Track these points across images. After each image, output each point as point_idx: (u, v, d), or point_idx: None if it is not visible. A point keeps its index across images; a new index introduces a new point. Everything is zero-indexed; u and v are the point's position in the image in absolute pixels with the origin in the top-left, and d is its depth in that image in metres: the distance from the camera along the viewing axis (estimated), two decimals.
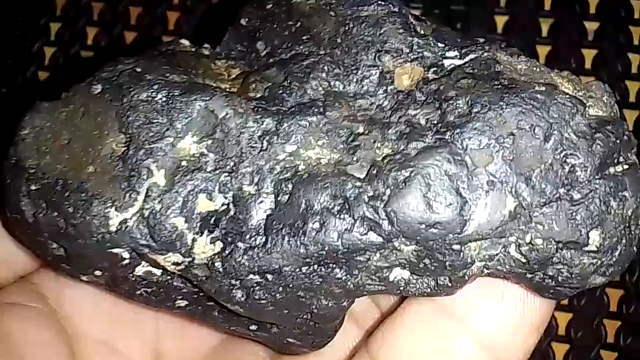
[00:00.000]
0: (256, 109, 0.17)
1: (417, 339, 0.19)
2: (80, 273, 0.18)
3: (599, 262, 0.17)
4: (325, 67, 0.18)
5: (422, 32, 0.18)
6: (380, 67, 0.18)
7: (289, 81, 0.18)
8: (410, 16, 0.18)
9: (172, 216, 0.17)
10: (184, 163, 0.17)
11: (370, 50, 0.18)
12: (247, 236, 0.17)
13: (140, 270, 0.18)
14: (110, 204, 0.17)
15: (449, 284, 0.17)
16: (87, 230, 0.17)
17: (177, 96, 0.17)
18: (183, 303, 0.19)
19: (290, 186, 0.17)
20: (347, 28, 0.18)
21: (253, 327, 0.19)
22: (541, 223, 0.17)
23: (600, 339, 0.29)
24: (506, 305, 0.18)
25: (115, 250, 0.17)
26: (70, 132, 0.17)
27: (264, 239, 0.17)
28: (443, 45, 0.18)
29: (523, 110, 0.17)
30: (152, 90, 0.17)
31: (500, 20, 0.32)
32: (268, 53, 0.19)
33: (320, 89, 0.18)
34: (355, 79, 0.18)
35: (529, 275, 0.17)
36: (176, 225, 0.17)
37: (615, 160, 0.17)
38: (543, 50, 0.31)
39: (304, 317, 0.18)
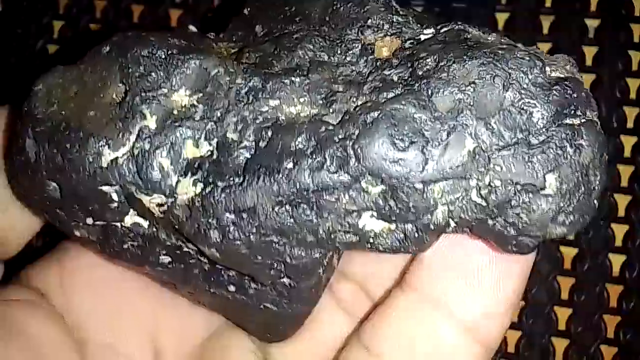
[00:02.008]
0: (246, 70, 0.19)
1: (405, 328, 0.20)
2: (74, 220, 0.19)
3: (557, 207, 0.18)
4: (312, 40, 0.20)
5: (402, 13, 0.20)
6: (362, 41, 0.20)
7: (278, 50, 0.19)
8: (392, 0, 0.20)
9: (159, 156, 0.18)
10: (175, 112, 0.18)
11: (354, 26, 0.20)
12: (227, 176, 0.18)
13: (128, 220, 0.19)
14: (104, 142, 0.18)
15: (416, 235, 0.18)
16: (81, 164, 0.18)
17: (175, 54, 0.19)
18: (166, 259, 0.20)
19: (270, 133, 0.18)
20: (334, 8, 0.20)
21: (231, 288, 0.20)
22: (499, 165, 0.18)
23: (600, 335, 0.29)
24: (483, 292, 0.19)
25: (105, 188, 0.18)
26: (78, 86, 0.19)
27: (241, 179, 0.18)
28: (421, 25, 0.20)
29: (484, 62, 0.18)
30: (153, 48, 0.19)
31: (501, 18, 0.32)
32: (264, 34, 0.20)
33: (307, 57, 0.19)
34: (339, 51, 0.19)
35: (490, 222, 0.18)
36: (162, 165, 0.18)
37: (573, 112, 0.18)
38: (544, 47, 0.32)
39: (278, 268, 0.19)
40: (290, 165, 0.18)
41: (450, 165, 0.18)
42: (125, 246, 0.20)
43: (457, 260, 0.19)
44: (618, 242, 0.30)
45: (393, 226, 0.18)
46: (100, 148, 0.18)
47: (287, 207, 0.18)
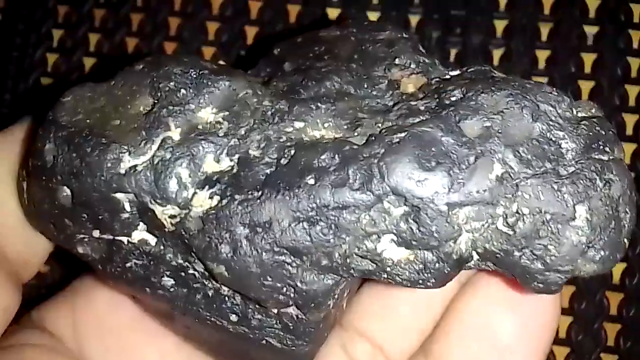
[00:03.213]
0: (273, 93, 0.19)
1: None
2: (80, 232, 0.19)
3: (587, 240, 0.17)
4: (340, 73, 0.20)
5: (429, 57, 0.20)
6: (388, 77, 0.20)
7: (305, 81, 0.19)
8: (419, 44, 0.21)
9: (178, 167, 0.18)
10: (199, 127, 0.18)
11: (381, 64, 0.20)
12: (245, 190, 0.18)
13: (136, 236, 0.19)
14: (126, 149, 0.18)
15: (437, 265, 0.17)
16: (98, 168, 0.18)
17: (206, 74, 0.19)
18: (169, 282, 0.19)
19: (292, 151, 0.18)
20: (363, 47, 0.20)
21: (233, 318, 0.19)
22: (528, 193, 0.17)
23: (600, 343, 0.29)
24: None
25: (118, 196, 0.18)
26: (106, 98, 0.19)
27: (260, 193, 0.18)
28: (446, 68, 0.20)
29: (512, 93, 0.18)
30: (185, 67, 0.19)
31: (500, 25, 0.32)
32: (292, 70, 0.20)
33: (333, 88, 0.19)
34: (365, 85, 0.19)
35: (516, 254, 0.17)
36: (181, 175, 0.18)
37: (601, 148, 0.18)
38: (542, 54, 0.32)
39: (287, 293, 0.18)
40: (312, 181, 0.18)
41: (477, 189, 0.17)
42: (129, 264, 0.19)
43: (483, 334, 0.19)
44: None
45: (412, 256, 0.18)
46: (121, 154, 0.18)
47: (305, 224, 0.17)
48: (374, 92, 0.19)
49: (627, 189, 0.18)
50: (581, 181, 0.17)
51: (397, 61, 0.20)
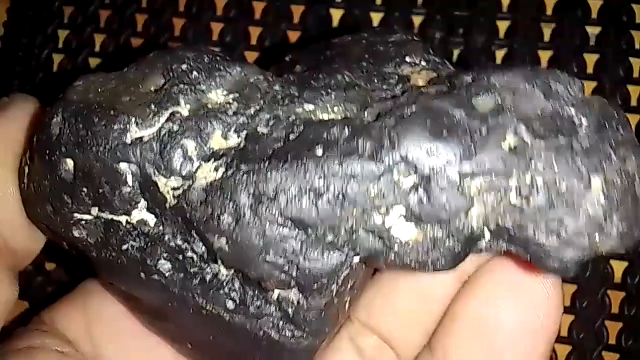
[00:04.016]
0: (284, 81, 0.19)
1: None
2: (77, 211, 0.19)
3: (604, 212, 0.17)
4: (351, 70, 0.19)
5: (438, 57, 0.20)
6: (399, 73, 0.19)
7: (317, 74, 0.19)
8: (428, 47, 0.20)
9: (184, 139, 0.18)
10: (209, 106, 0.18)
11: (392, 62, 0.20)
12: (252, 161, 0.17)
13: (135, 215, 0.18)
14: (134, 120, 0.18)
15: (446, 243, 0.17)
16: (104, 136, 0.18)
17: (219, 60, 0.19)
18: (166, 265, 0.19)
19: (302, 127, 0.18)
20: (374, 48, 0.20)
21: (230, 305, 0.19)
22: (542, 164, 0.17)
23: (602, 341, 0.30)
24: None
25: (122, 166, 0.18)
26: (118, 81, 0.19)
27: (267, 163, 0.17)
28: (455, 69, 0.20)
29: (524, 75, 0.18)
30: (199, 52, 0.19)
31: (503, 25, 0.32)
32: (304, 70, 0.20)
33: (344, 81, 0.19)
34: (376, 80, 0.19)
35: (530, 229, 0.17)
36: (187, 147, 0.18)
37: (615, 127, 0.17)
38: (545, 55, 0.32)
39: (289, 271, 0.17)
40: (320, 151, 0.17)
41: (490, 159, 0.17)
42: (125, 247, 0.19)
43: (485, 332, 0.18)
44: None
45: (421, 235, 0.17)
46: (128, 125, 0.18)
47: (312, 194, 0.17)
48: (384, 86, 0.19)
49: None
50: (596, 154, 0.17)
51: (407, 59, 0.20)
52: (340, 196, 0.17)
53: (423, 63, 0.20)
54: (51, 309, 0.22)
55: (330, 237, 0.17)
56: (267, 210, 0.17)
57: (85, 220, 0.19)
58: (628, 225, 0.17)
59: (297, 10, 0.34)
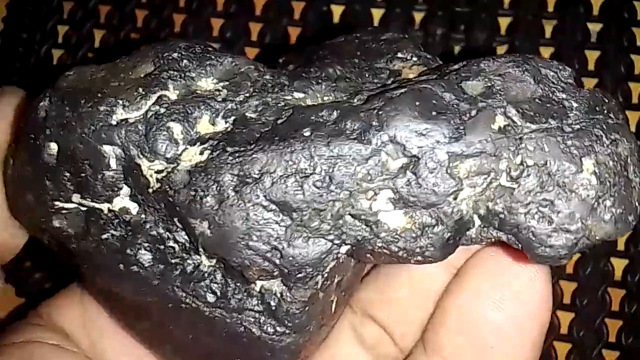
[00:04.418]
0: (275, 71, 0.19)
1: None
2: (59, 197, 0.18)
3: (596, 195, 0.16)
4: (343, 65, 0.19)
5: (429, 54, 0.20)
6: (390, 68, 0.19)
7: (308, 67, 0.19)
8: (420, 45, 0.20)
9: (171, 122, 0.18)
10: (198, 92, 0.18)
11: (383, 58, 0.20)
12: (239, 143, 0.17)
13: (117, 203, 0.18)
14: (121, 102, 0.18)
15: (435, 229, 0.16)
16: (90, 117, 0.18)
17: (211, 51, 0.19)
18: (146, 256, 0.18)
19: (290, 112, 0.17)
20: (366, 46, 0.20)
21: (211, 298, 0.18)
22: (532, 145, 0.16)
23: (602, 338, 0.29)
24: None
25: (106, 149, 0.18)
26: (109, 70, 0.19)
27: (253, 145, 0.17)
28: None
29: (513, 59, 0.18)
30: (191, 43, 0.19)
31: (504, 22, 0.32)
32: (296, 67, 0.20)
33: (335, 74, 0.19)
34: (367, 75, 0.19)
35: (521, 212, 0.16)
36: (173, 130, 0.18)
37: (606, 113, 0.17)
38: (546, 52, 0.32)
39: (272, 259, 0.17)
40: (308, 132, 0.17)
41: (480, 139, 0.16)
42: (105, 236, 0.18)
43: (473, 327, 0.18)
44: (620, 247, 0.30)
45: (410, 223, 0.17)
46: (114, 107, 0.18)
47: (298, 176, 0.17)
48: (376, 80, 0.19)
49: (635, 152, 0.17)
50: (587, 136, 0.16)
51: (399, 54, 0.20)
52: (327, 178, 0.17)
53: (414, 59, 0.19)
54: (48, 303, 0.22)
55: (316, 223, 0.17)
56: (252, 192, 0.17)
57: (66, 209, 0.19)
58: (622, 209, 0.16)
59: (298, 6, 0.34)
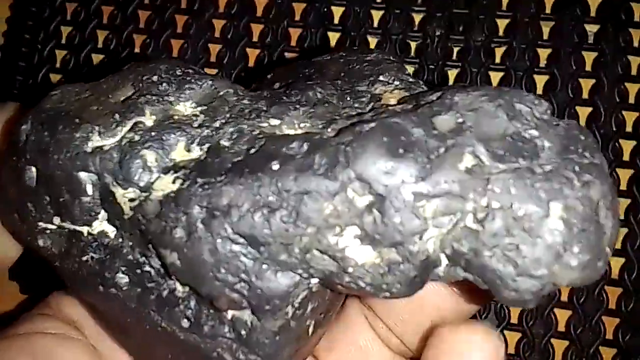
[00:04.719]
0: (255, 96, 0.19)
1: None
2: (41, 220, 0.19)
3: (563, 241, 0.16)
4: (324, 87, 0.19)
5: (413, 78, 0.20)
6: (372, 92, 0.19)
7: (289, 90, 0.19)
8: (404, 67, 0.20)
9: (145, 150, 0.18)
10: (175, 117, 0.18)
11: (365, 80, 0.19)
12: (210, 174, 0.17)
13: (96, 226, 0.18)
14: (97, 129, 0.18)
15: (401, 266, 0.16)
16: (66, 145, 0.18)
17: (191, 74, 0.19)
18: (124, 279, 0.18)
19: (263, 142, 0.17)
20: (350, 66, 0.20)
21: (185, 324, 0.18)
22: (499, 187, 0.16)
23: (599, 336, 0.30)
24: None
25: (82, 175, 0.18)
26: (91, 91, 0.19)
27: (223, 177, 0.17)
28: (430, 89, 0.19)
29: (487, 94, 0.17)
30: (172, 66, 0.19)
31: (502, 23, 0.32)
32: (280, 86, 0.20)
33: (316, 97, 0.19)
34: (348, 98, 0.19)
35: (486, 255, 0.16)
36: (146, 158, 0.18)
37: (580, 152, 0.17)
38: (544, 53, 0.32)
39: (241, 290, 0.17)
40: (276, 166, 0.17)
41: (446, 180, 0.16)
42: (85, 258, 0.18)
43: None
44: (617, 245, 0.30)
45: (377, 259, 0.17)
46: (90, 134, 0.18)
47: (265, 210, 0.17)
48: (356, 104, 0.19)
49: (608, 194, 0.16)
50: (556, 179, 0.16)
51: (381, 77, 0.19)
52: (294, 213, 0.16)
53: (396, 82, 0.19)
54: (57, 294, 0.22)
55: (283, 257, 0.17)
56: (220, 225, 0.17)
57: (50, 229, 0.19)
58: (590, 256, 0.16)
59: (299, 8, 0.34)
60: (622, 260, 0.30)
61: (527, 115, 0.17)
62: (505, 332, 0.31)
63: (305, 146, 0.17)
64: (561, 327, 0.30)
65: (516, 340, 0.31)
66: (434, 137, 0.17)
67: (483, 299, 0.20)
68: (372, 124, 0.17)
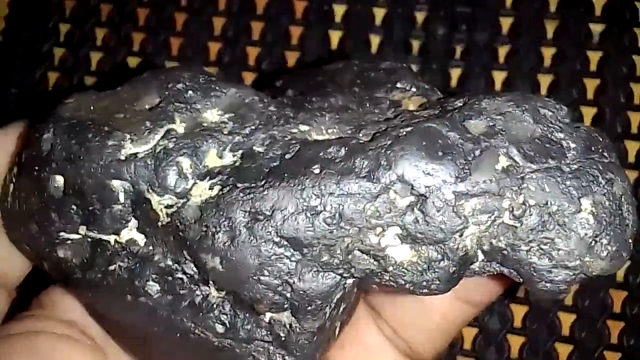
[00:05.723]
0: (279, 102, 0.19)
1: None
2: (65, 229, 0.18)
3: (594, 233, 0.17)
4: (343, 94, 0.20)
5: (428, 85, 0.20)
6: (390, 98, 0.20)
7: (309, 97, 0.20)
8: (418, 76, 0.21)
9: (180, 157, 0.18)
10: (204, 124, 0.18)
11: (383, 87, 0.20)
12: (248, 179, 0.17)
13: (125, 235, 0.18)
14: (129, 136, 0.18)
15: (441, 264, 0.17)
16: (98, 153, 0.18)
17: (214, 81, 0.19)
18: (154, 287, 0.18)
19: (297, 147, 0.18)
20: (365, 74, 0.21)
21: (220, 329, 0.18)
22: (533, 185, 0.17)
23: (603, 340, 0.29)
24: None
25: (115, 184, 0.18)
26: (111, 100, 0.19)
27: (264, 182, 0.17)
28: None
29: (513, 99, 0.18)
30: (195, 73, 0.19)
31: (506, 22, 0.32)
32: (295, 94, 0.21)
33: (337, 105, 0.19)
34: (367, 104, 0.20)
35: (523, 250, 0.17)
36: (182, 165, 0.18)
37: (601, 152, 0.18)
38: (548, 52, 0.32)
39: (284, 292, 0.17)
40: (317, 170, 0.17)
41: (484, 179, 0.17)
42: (112, 267, 0.18)
43: None
44: None
45: (416, 257, 0.17)
46: (122, 142, 0.18)
47: (308, 213, 0.17)
48: (376, 110, 0.19)
49: (628, 191, 0.18)
50: (584, 177, 0.17)
51: (398, 85, 0.20)
52: (337, 215, 0.17)
53: (413, 89, 0.20)
54: (50, 291, 0.21)
55: (326, 257, 0.17)
56: (264, 228, 0.17)
57: (72, 239, 0.19)
58: (617, 246, 0.17)
59: (300, 6, 0.34)
60: (627, 263, 0.30)
61: (552, 119, 0.18)
62: (509, 336, 0.30)
63: (343, 150, 0.18)
64: (565, 331, 0.30)
65: (520, 344, 0.30)
66: (468, 140, 0.18)
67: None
68: (408, 129, 0.18)
